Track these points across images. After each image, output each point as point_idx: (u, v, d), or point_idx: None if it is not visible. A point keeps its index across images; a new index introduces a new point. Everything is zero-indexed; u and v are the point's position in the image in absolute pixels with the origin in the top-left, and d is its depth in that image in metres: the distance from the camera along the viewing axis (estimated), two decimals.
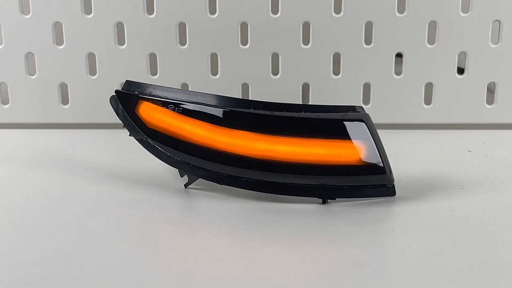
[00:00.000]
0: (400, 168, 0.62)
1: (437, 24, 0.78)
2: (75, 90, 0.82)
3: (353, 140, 0.56)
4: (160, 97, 0.59)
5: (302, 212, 0.56)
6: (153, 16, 0.79)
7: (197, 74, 0.81)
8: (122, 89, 0.61)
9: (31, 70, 0.81)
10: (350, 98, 0.80)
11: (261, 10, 0.79)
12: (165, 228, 0.54)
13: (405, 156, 0.70)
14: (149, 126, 0.60)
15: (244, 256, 0.49)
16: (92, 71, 0.81)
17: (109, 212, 0.57)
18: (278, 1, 0.79)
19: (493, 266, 0.47)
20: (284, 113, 0.58)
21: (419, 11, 0.78)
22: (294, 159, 0.57)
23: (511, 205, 0.58)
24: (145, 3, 0.79)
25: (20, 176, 0.66)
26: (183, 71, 0.81)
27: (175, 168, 0.61)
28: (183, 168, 0.60)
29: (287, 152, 0.57)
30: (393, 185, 0.58)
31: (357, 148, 0.56)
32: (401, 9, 0.78)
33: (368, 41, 0.80)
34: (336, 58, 0.80)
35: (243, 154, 0.58)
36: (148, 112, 0.59)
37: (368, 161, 0.56)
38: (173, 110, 0.59)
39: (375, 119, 0.59)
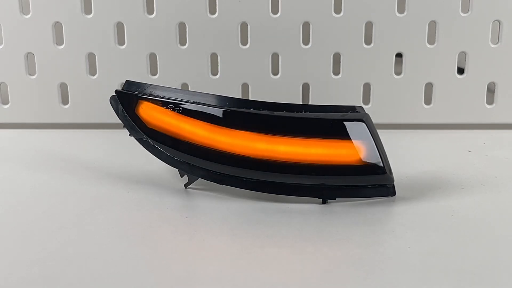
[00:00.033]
0: (400, 168, 0.62)
1: (437, 24, 0.79)
2: (75, 90, 0.82)
3: (353, 140, 0.56)
4: (160, 97, 0.59)
5: (302, 212, 0.56)
6: (153, 16, 0.79)
7: (197, 74, 0.81)
8: (122, 89, 0.61)
9: (31, 70, 0.82)
10: (350, 98, 0.80)
11: (261, 10, 0.79)
12: (165, 228, 0.54)
13: (405, 156, 0.70)
14: (149, 126, 0.60)
15: (244, 256, 0.49)
16: (92, 71, 0.81)
17: (109, 212, 0.57)
18: (278, 1, 0.79)
19: (493, 266, 0.47)
20: (284, 113, 0.58)
21: (419, 11, 0.78)
22: (294, 159, 0.57)
23: (511, 205, 0.58)
24: (145, 3, 0.79)
25: (20, 176, 0.66)
26: (183, 71, 0.81)
27: (175, 168, 0.61)
28: (183, 168, 0.60)
29: (287, 152, 0.57)
30: (393, 185, 0.58)
31: (357, 148, 0.56)
32: (401, 9, 0.78)
33: (368, 41, 0.80)
34: (336, 58, 0.80)
35: (243, 154, 0.58)
36: (148, 112, 0.59)
37: (368, 161, 0.56)
38: (173, 110, 0.59)
39: (375, 119, 0.59)
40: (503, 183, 0.63)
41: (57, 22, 0.80)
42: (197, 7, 0.79)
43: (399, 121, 0.82)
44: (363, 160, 0.56)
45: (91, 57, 0.81)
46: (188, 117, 0.58)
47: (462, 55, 0.80)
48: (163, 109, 0.59)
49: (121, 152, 0.72)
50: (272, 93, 0.80)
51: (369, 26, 0.79)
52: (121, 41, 0.80)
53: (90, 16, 0.79)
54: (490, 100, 0.81)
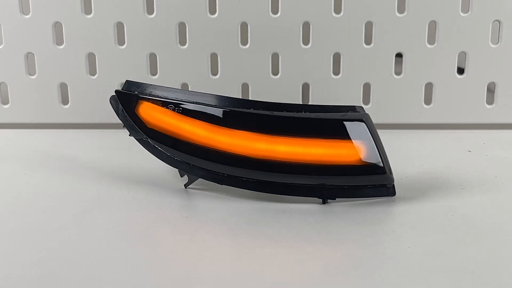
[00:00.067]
0: (400, 168, 0.62)
1: (437, 24, 0.78)
2: (75, 90, 0.82)
3: (353, 140, 0.56)
4: (160, 97, 0.59)
5: (302, 212, 0.56)
6: (153, 16, 0.79)
7: (197, 74, 0.81)
8: (122, 89, 0.61)
9: (31, 70, 0.82)
10: (350, 98, 0.80)
11: (261, 10, 0.79)
12: (165, 228, 0.54)
13: (405, 156, 0.70)
14: (149, 126, 0.60)
15: (244, 256, 0.49)
16: (92, 71, 0.81)
17: (109, 212, 0.57)
18: (278, 1, 0.79)
19: (493, 266, 0.47)
20: (284, 113, 0.58)
21: (419, 11, 0.78)
22: (294, 159, 0.57)
23: (511, 205, 0.58)
24: (145, 3, 0.79)
25: (20, 176, 0.66)
26: (183, 71, 0.81)
27: (175, 168, 0.61)
28: (183, 168, 0.60)
29: (287, 152, 0.57)
30: (393, 185, 0.58)
31: (357, 148, 0.56)
32: (401, 9, 0.78)
33: (368, 41, 0.80)
34: (336, 58, 0.80)
35: (243, 154, 0.58)
36: (148, 112, 0.59)
37: (368, 161, 0.56)
38: (173, 110, 0.59)
39: (375, 119, 0.59)
40: (503, 183, 0.63)
41: (57, 22, 0.80)
42: (197, 7, 0.79)
43: (399, 121, 0.82)
44: (363, 160, 0.56)
45: (91, 57, 0.81)
46: (188, 117, 0.58)
47: (462, 55, 0.80)
48: (163, 109, 0.59)
49: (121, 152, 0.72)
50: (272, 93, 0.80)
51: (369, 26, 0.79)
52: (121, 41, 0.80)
53: (90, 16, 0.79)
54: (490, 100, 0.81)
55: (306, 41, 0.80)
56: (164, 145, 0.60)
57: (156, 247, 0.50)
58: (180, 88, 0.80)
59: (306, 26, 0.79)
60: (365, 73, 0.80)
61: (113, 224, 0.54)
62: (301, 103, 0.81)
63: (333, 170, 0.57)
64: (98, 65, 0.81)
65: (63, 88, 0.82)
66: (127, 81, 0.61)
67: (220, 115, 0.58)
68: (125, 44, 0.80)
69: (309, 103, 0.80)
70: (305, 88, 0.81)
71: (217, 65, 0.81)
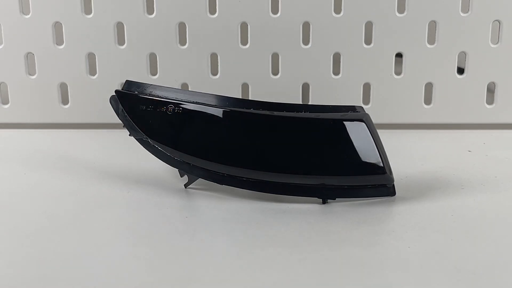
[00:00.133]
0: (400, 168, 0.62)
1: (437, 24, 0.78)
2: (75, 90, 0.82)
3: (353, 140, 0.56)
4: (160, 97, 0.59)
5: (302, 212, 0.56)
6: (153, 16, 0.79)
7: (197, 74, 0.81)
8: (122, 89, 0.61)
9: (31, 70, 0.81)
10: (350, 98, 0.80)
11: (261, 10, 0.79)
12: (165, 228, 0.54)
13: (405, 156, 0.70)
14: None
15: (244, 256, 0.49)
16: (92, 71, 0.81)
17: (109, 212, 0.57)
18: (278, 1, 0.79)
19: (493, 266, 0.47)
20: (284, 113, 0.58)
21: (419, 11, 0.78)
22: (294, 159, 0.57)
23: (511, 205, 0.58)
24: (145, 3, 0.79)
25: (20, 176, 0.66)
26: (183, 71, 0.81)
27: (175, 168, 0.61)
28: (183, 168, 0.60)
29: (287, 152, 0.57)
30: (393, 185, 0.58)
31: (357, 148, 0.56)
32: (401, 9, 0.78)
33: (368, 41, 0.80)
34: (336, 58, 0.80)
35: (243, 154, 0.58)
36: None
37: (368, 161, 0.56)
38: (173, 110, 0.59)
39: (375, 119, 0.59)
40: (503, 183, 0.63)
41: (57, 22, 0.80)
42: (197, 7, 0.79)
43: (399, 121, 0.82)
44: (363, 160, 0.56)
45: (91, 57, 0.81)
46: (188, 117, 0.58)
47: (462, 55, 0.80)
48: (163, 109, 0.59)
49: (121, 152, 0.72)
50: (272, 93, 0.80)
51: (369, 26, 0.79)
52: (121, 41, 0.80)
53: (90, 16, 0.79)
54: (490, 100, 0.81)
55: (306, 41, 0.80)
56: (164, 145, 0.60)
57: (156, 247, 0.50)
58: (180, 88, 0.80)
59: (306, 26, 0.79)
60: (365, 73, 0.80)
61: (113, 224, 0.54)
62: (301, 103, 0.81)
63: (333, 170, 0.57)
64: (98, 65, 0.81)
65: (63, 88, 0.82)
66: (127, 81, 0.61)
67: (220, 115, 0.58)
68: (125, 44, 0.80)
69: (309, 103, 0.80)
70: (305, 88, 0.81)
71: (217, 65, 0.81)
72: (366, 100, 0.81)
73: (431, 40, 0.79)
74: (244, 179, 0.58)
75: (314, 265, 0.47)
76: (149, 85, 0.60)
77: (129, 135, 0.61)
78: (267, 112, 0.58)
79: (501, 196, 0.60)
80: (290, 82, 0.81)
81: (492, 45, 0.79)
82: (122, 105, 0.60)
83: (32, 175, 0.66)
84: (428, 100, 0.81)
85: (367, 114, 0.58)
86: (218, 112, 0.58)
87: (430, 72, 0.80)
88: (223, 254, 0.49)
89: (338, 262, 0.48)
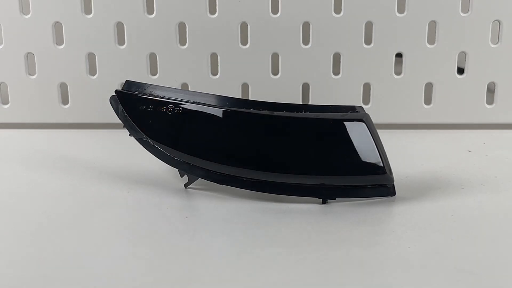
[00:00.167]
0: (400, 168, 0.62)
1: (437, 24, 0.78)
2: (75, 90, 0.82)
3: (353, 140, 0.56)
4: (160, 97, 0.59)
5: (302, 212, 0.56)
6: (153, 16, 0.79)
7: (197, 74, 0.81)
8: (122, 89, 0.61)
9: (31, 70, 0.81)
10: (350, 98, 0.80)
11: (261, 10, 0.79)
12: (165, 228, 0.54)
13: (405, 156, 0.70)
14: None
15: (244, 256, 0.49)
16: (92, 71, 0.81)
17: (109, 212, 0.57)
18: (278, 1, 0.79)
19: (493, 266, 0.47)
20: (284, 113, 0.58)
21: (419, 11, 0.78)
22: (294, 159, 0.57)
23: (511, 205, 0.58)
24: (145, 3, 0.79)
25: (20, 176, 0.66)
26: (183, 71, 0.81)
27: (175, 168, 0.61)
28: (183, 168, 0.60)
29: (287, 152, 0.57)
30: (393, 185, 0.58)
31: (357, 148, 0.56)
32: (401, 9, 0.78)
33: (368, 41, 0.80)
34: (336, 58, 0.80)
35: (243, 154, 0.58)
36: None
37: (368, 161, 0.56)
38: (173, 110, 0.59)
39: (375, 119, 0.59)
40: (503, 183, 0.63)
41: (57, 22, 0.80)
42: (197, 7, 0.79)
43: (399, 121, 0.82)
44: (363, 160, 0.56)
45: (91, 57, 0.81)
46: (188, 117, 0.58)
47: (462, 55, 0.80)
48: (163, 109, 0.59)
49: (121, 152, 0.72)
50: (272, 93, 0.80)
51: (369, 26, 0.79)
52: (121, 41, 0.80)
53: (90, 16, 0.79)
54: (490, 100, 0.81)
55: (306, 41, 0.80)
56: (164, 145, 0.60)
57: (156, 247, 0.50)
58: (180, 88, 0.80)
59: (306, 26, 0.79)
60: (365, 73, 0.80)
61: (113, 224, 0.54)
62: (301, 103, 0.81)
63: (333, 170, 0.57)
64: (98, 65, 0.81)
65: (63, 88, 0.82)
66: (127, 81, 0.61)
67: (220, 115, 0.58)
68: (125, 44, 0.80)
69: (309, 103, 0.80)
70: (305, 88, 0.81)
71: (217, 65, 0.81)
72: (366, 100, 0.81)
73: (431, 40, 0.79)
74: (244, 179, 0.58)
75: (314, 265, 0.47)
76: (149, 85, 0.60)
77: (129, 135, 0.61)
78: (267, 112, 0.58)
79: (501, 196, 0.60)
80: (290, 82, 0.81)
81: (492, 45, 0.79)
82: (122, 105, 0.60)
83: (32, 175, 0.66)
84: (428, 100, 0.81)
85: (367, 114, 0.58)
86: (218, 112, 0.58)
87: (430, 72, 0.80)
88: (223, 254, 0.49)
89: (338, 262, 0.48)
